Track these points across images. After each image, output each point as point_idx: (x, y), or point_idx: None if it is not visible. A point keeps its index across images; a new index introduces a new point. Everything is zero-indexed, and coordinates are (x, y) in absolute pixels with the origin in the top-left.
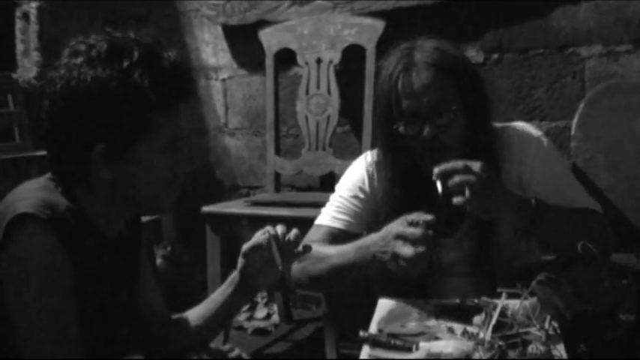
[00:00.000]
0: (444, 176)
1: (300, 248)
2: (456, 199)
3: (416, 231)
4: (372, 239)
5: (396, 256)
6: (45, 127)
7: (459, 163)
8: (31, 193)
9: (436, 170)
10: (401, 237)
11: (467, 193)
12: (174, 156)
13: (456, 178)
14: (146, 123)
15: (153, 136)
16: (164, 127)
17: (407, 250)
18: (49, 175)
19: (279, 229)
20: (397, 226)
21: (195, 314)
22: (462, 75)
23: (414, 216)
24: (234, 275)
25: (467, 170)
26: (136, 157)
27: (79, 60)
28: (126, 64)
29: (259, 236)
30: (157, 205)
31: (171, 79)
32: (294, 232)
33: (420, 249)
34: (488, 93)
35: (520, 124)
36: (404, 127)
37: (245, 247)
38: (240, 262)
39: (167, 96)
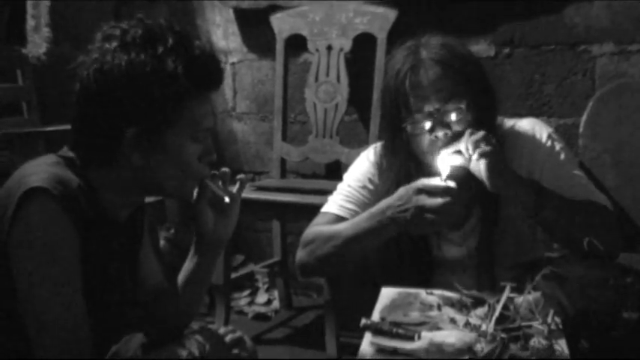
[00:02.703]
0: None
1: (238, 178)
2: (481, 149)
3: (439, 183)
4: (386, 203)
5: (420, 211)
6: (75, 109)
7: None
8: (44, 168)
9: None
10: (423, 191)
11: (484, 147)
12: (201, 144)
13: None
14: (178, 109)
15: (184, 123)
16: (195, 115)
17: (433, 201)
18: (61, 151)
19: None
20: (422, 181)
21: (178, 285)
22: (470, 71)
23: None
24: (194, 239)
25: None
26: (167, 143)
27: (113, 44)
28: (160, 50)
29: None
30: (182, 193)
31: (204, 66)
32: (222, 169)
33: (448, 198)
34: (495, 89)
35: (531, 121)
36: (413, 125)
37: (189, 208)
38: (194, 224)
39: (199, 83)
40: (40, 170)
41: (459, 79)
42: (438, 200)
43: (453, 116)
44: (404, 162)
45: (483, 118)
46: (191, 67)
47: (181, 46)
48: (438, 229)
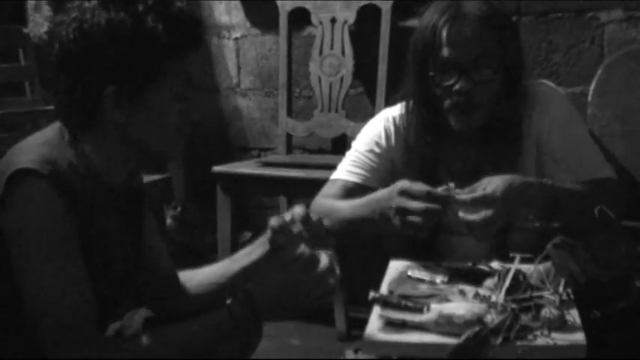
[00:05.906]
0: None
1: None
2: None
3: (421, 187)
4: (381, 193)
5: (402, 212)
6: (55, 70)
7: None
8: (33, 149)
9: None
10: (406, 193)
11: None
12: (184, 103)
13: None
14: (158, 67)
15: (165, 82)
16: (176, 73)
17: (414, 204)
18: (57, 123)
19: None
20: (406, 183)
21: (212, 271)
22: (507, 31)
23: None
24: (264, 240)
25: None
26: (148, 101)
27: (93, 3)
28: (140, 8)
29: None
30: (166, 152)
31: (184, 25)
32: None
33: (431, 205)
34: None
35: (545, 82)
36: (440, 77)
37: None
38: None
39: (179, 41)
40: (28, 151)
41: (496, 38)
42: (418, 204)
43: (482, 74)
44: (425, 115)
45: (511, 79)
46: (170, 25)
47: (161, 4)
48: (419, 233)
